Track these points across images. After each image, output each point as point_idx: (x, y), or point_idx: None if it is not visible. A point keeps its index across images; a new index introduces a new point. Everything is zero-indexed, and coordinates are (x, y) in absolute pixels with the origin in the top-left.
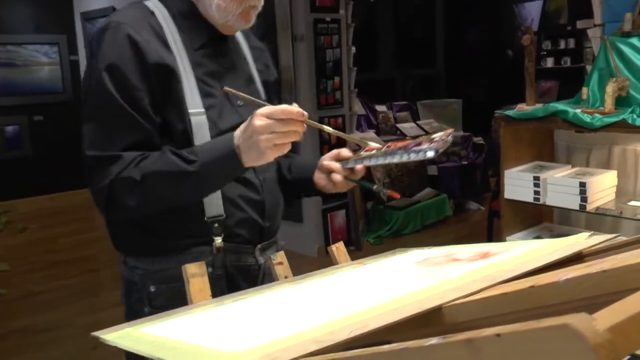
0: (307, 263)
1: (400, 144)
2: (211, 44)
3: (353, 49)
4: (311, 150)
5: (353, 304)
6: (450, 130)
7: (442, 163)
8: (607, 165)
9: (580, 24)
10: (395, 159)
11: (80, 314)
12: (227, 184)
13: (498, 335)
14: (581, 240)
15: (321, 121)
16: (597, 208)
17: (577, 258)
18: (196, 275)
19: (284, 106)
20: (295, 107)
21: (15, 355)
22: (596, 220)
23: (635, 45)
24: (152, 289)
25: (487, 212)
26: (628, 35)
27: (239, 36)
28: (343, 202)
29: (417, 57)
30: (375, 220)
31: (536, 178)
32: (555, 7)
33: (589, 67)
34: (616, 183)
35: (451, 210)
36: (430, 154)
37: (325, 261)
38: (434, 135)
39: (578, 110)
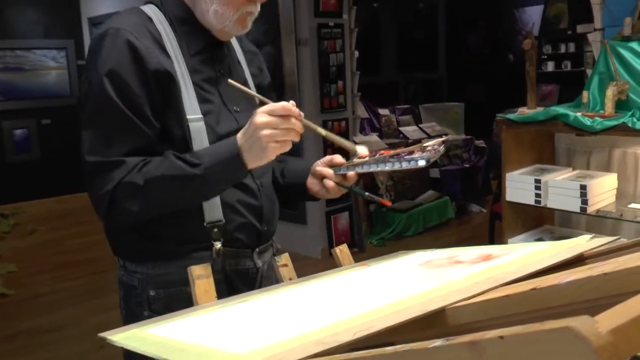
0: (310, 265)
1: (391, 152)
2: (207, 50)
3: (356, 53)
4: (314, 152)
5: (357, 306)
6: (443, 139)
7: (444, 166)
8: (607, 168)
9: (580, 29)
10: (387, 167)
11: (87, 314)
12: (230, 186)
13: (501, 337)
14: (582, 243)
15: (324, 125)
16: (598, 210)
17: (578, 260)
18: (202, 276)
19: (283, 103)
20: (290, 105)
21: (22, 354)
22: (597, 222)
23: (634, 50)
24: (152, 293)
25: (489, 215)
26: (628, 39)
27: (233, 40)
28: (346, 204)
29: (420, 61)
30: (378, 223)
31: (537, 181)
32: (555, 11)
33: (589, 71)
34: (616, 186)
35: (453, 212)
36: (422, 163)
37: (329, 263)
38: (426, 144)
39: (578, 114)
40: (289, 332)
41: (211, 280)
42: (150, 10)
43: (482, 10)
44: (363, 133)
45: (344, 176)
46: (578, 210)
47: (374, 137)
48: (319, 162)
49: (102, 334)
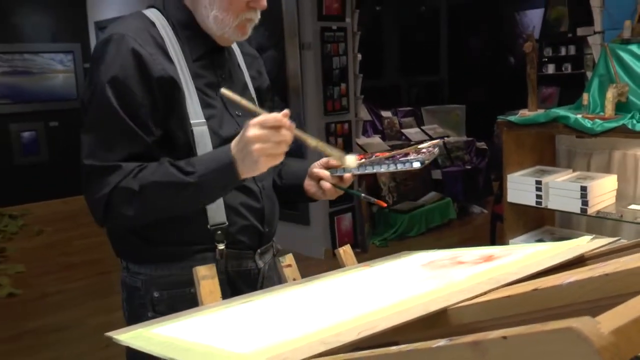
0: (314, 265)
1: (387, 154)
2: (209, 55)
3: (359, 56)
4: (317, 153)
5: (361, 306)
6: (437, 141)
7: (446, 167)
8: (607, 170)
9: (580, 32)
10: (383, 169)
11: (92, 314)
12: (225, 194)
13: (504, 337)
14: (583, 244)
15: (328, 127)
16: (598, 211)
17: (579, 261)
18: (207, 277)
19: (275, 115)
20: (282, 116)
21: (29, 354)
22: (597, 223)
23: (634, 52)
24: (156, 294)
25: (490, 216)
26: (627, 42)
27: (233, 44)
28: (349, 205)
29: (422, 64)
30: (380, 224)
31: (538, 182)
32: (556, 15)
33: (589, 74)
34: (616, 187)
35: (455, 213)
36: (417, 164)
37: (332, 263)
38: (420, 146)
39: (579, 116)
40: (293, 331)
41: (216, 281)
42: (153, 14)
43: (484, 14)
44: (366, 135)
45: (341, 178)
46: (578, 211)
47: (376, 139)
48: (316, 163)
49: (108, 334)
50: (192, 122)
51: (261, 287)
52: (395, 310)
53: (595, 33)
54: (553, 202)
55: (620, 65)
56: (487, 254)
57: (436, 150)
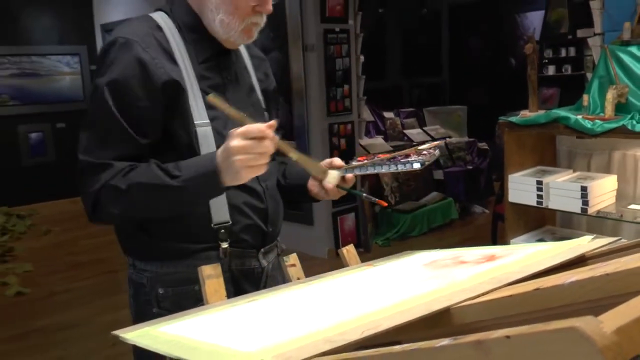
0: (317, 265)
1: (389, 155)
2: (215, 58)
3: (362, 58)
4: (321, 154)
5: (364, 305)
6: (438, 143)
7: (448, 168)
8: (607, 170)
9: (580, 33)
10: (384, 169)
11: (99, 313)
12: (210, 199)
13: (508, 337)
14: (584, 244)
15: (331, 128)
16: (598, 211)
17: (580, 261)
18: (211, 276)
19: (259, 126)
20: (266, 127)
21: (37, 352)
22: (597, 223)
23: (634, 54)
24: (161, 291)
25: (492, 215)
26: (627, 44)
27: (240, 46)
28: (352, 205)
29: (424, 65)
30: (383, 223)
31: (539, 182)
32: (556, 17)
33: (589, 75)
34: (616, 187)
35: (457, 213)
36: (417, 165)
37: (335, 263)
38: (421, 147)
39: (579, 117)
40: (298, 330)
41: (221, 280)
42: (160, 17)
43: (485, 16)
44: (368, 136)
45: (343, 178)
46: (579, 211)
47: (379, 140)
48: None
49: (115, 332)
50: (195, 122)
51: (264, 286)
52: (398, 310)
53: (595, 35)
54: (554, 202)
55: (620, 67)
56: (489, 254)
57: (437, 152)
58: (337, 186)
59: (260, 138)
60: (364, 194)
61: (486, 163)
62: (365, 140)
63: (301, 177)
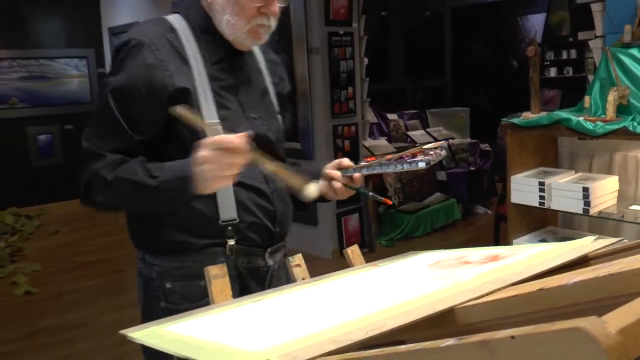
0: (322, 265)
1: (396, 155)
2: (227, 59)
3: (365, 60)
4: (325, 156)
5: (369, 305)
6: (441, 143)
7: (451, 169)
8: (609, 171)
9: (581, 36)
10: (390, 169)
11: (106, 312)
12: (187, 203)
13: (513, 337)
14: (587, 244)
15: (335, 130)
16: (600, 212)
17: (583, 261)
18: (218, 276)
19: (229, 137)
20: (240, 139)
21: (45, 350)
22: (599, 223)
23: (634, 56)
24: (168, 285)
25: (494, 216)
26: (628, 46)
27: (256, 49)
28: (356, 206)
29: (427, 68)
30: (387, 224)
31: (541, 183)
32: (557, 19)
33: (590, 77)
34: (618, 188)
35: (459, 214)
36: (422, 164)
37: (340, 263)
38: (425, 147)
39: (581, 118)
40: (303, 330)
41: (227, 280)
42: (175, 20)
43: (487, 19)
44: (372, 137)
45: (351, 178)
46: (581, 211)
47: (382, 141)
48: (328, 165)
49: (123, 331)
50: (205, 122)
51: (269, 285)
52: (403, 310)
53: (596, 37)
54: (556, 203)
55: (621, 69)
56: (493, 254)
57: (443, 152)
58: (345, 185)
59: (229, 149)
60: (370, 193)
61: (489, 164)
62: (369, 142)
63: (312, 178)
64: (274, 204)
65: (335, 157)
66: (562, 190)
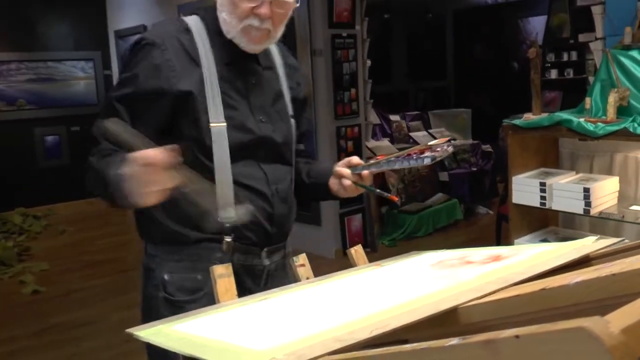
0: (325, 265)
1: (405, 153)
2: (238, 61)
3: (368, 62)
4: (329, 157)
5: (373, 305)
6: (445, 139)
7: (453, 169)
8: (609, 172)
9: (582, 38)
10: (397, 166)
11: (113, 311)
12: (126, 206)
13: (517, 336)
14: (588, 244)
15: (338, 131)
16: (600, 212)
17: (585, 261)
18: (223, 276)
19: (153, 152)
20: (160, 154)
21: (53, 349)
22: (599, 223)
23: (635, 58)
24: (166, 277)
25: (496, 216)
26: (628, 48)
27: (274, 52)
28: (359, 206)
29: (429, 70)
30: (389, 224)
31: (542, 184)
32: (558, 21)
33: (591, 78)
34: (618, 188)
35: (461, 214)
36: (427, 160)
37: (343, 263)
38: (431, 143)
39: (581, 119)
40: (307, 329)
41: (232, 280)
42: (192, 21)
43: (488, 21)
44: (375, 138)
45: (360, 175)
46: (581, 212)
47: (385, 142)
48: (339, 163)
49: (129, 330)
50: (211, 121)
51: (266, 284)
52: (406, 309)
53: (596, 39)
54: (557, 203)
55: (621, 70)
56: (495, 254)
57: (450, 149)
58: (355, 183)
59: (150, 164)
60: (377, 190)
61: (490, 165)
62: (372, 143)
63: (324, 175)
64: (273, 206)
65: (339, 158)
66: (563, 190)
